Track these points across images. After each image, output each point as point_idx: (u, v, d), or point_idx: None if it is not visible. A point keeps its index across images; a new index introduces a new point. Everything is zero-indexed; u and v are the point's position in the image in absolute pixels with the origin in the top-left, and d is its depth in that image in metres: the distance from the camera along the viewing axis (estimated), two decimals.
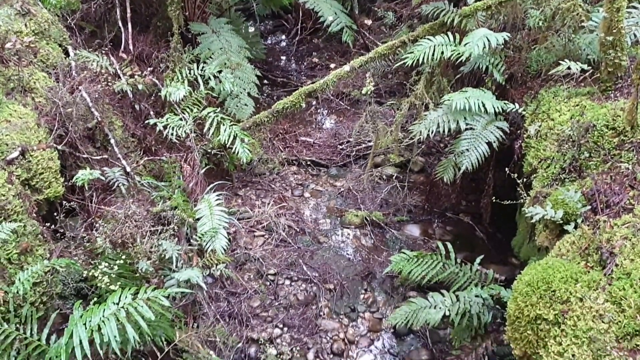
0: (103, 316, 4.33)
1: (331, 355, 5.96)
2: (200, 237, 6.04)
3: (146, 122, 7.28)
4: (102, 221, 5.58)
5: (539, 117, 5.68)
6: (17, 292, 4.36)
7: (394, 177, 8.27)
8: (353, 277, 6.88)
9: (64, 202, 5.51)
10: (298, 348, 5.91)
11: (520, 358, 4.09)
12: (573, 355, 3.49)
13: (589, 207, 4.39)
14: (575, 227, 4.32)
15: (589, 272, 3.91)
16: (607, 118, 4.92)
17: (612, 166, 4.69)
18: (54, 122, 6.01)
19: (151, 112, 7.61)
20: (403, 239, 7.45)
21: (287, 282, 6.77)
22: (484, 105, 6.07)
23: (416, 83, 7.45)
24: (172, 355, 5.36)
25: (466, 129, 6.22)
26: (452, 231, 7.54)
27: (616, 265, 3.79)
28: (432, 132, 6.38)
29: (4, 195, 4.76)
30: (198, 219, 6.22)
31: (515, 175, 4.78)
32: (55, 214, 5.34)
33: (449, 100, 6.24)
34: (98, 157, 6.39)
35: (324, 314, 6.41)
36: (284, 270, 6.88)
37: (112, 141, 6.60)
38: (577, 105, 5.37)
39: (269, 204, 7.77)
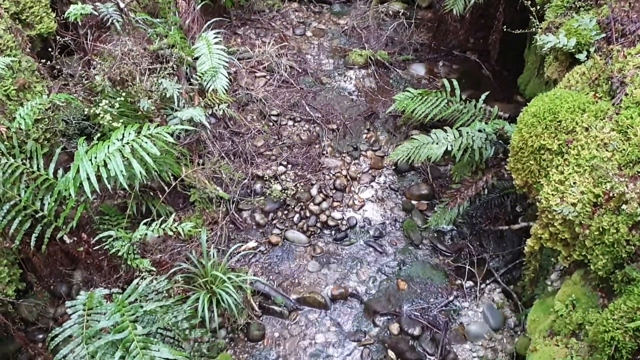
0: (108, 152, 4.36)
1: (334, 191, 6.12)
2: (200, 77, 5.91)
3: None
4: (99, 59, 5.42)
5: None
6: (20, 128, 4.35)
7: (400, 14, 7.89)
8: (356, 117, 6.85)
9: (58, 38, 5.31)
10: (302, 184, 6.05)
11: (520, 188, 4.17)
12: (574, 183, 3.54)
13: (603, 35, 4.20)
14: (587, 57, 4.18)
15: (597, 102, 3.84)
16: None
17: None
18: None
19: None
20: (408, 79, 7.31)
21: (290, 122, 6.75)
22: None
23: None
24: (180, 190, 5.51)
25: None
26: (458, 69, 7.37)
27: (626, 94, 3.71)
28: None
29: None
30: (197, 58, 6.04)
31: (529, 2, 4.53)
32: (50, 50, 5.17)
33: None
34: None
35: (326, 153, 6.48)
36: (286, 111, 6.83)
37: None
38: None
39: (269, 43, 7.51)
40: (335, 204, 6.03)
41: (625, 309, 3.05)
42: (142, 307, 3.81)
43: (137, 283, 4.05)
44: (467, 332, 4.95)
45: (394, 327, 4.98)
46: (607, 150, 3.54)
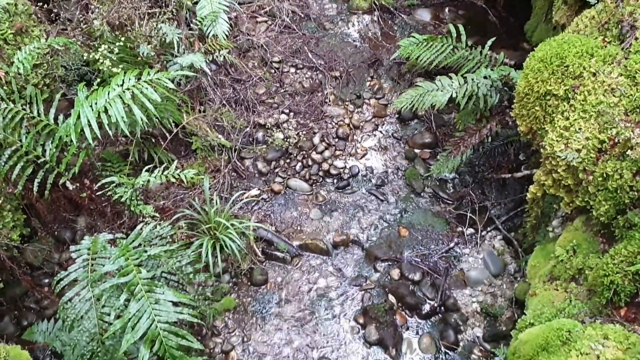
0: (108, 98, 4.32)
1: (336, 139, 6.09)
2: (200, 22, 5.81)
3: None
4: (97, 2, 5.30)
5: None
6: (18, 73, 4.29)
7: None
8: (359, 65, 6.75)
9: None
10: (304, 132, 6.01)
11: (525, 134, 4.14)
12: (579, 129, 3.51)
13: None
14: (597, 1, 4.07)
15: (606, 46, 3.77)
16: None
17: None
18: None
19: None
20: (413, 24, 7.16)
21: (292, 69, 6.66)
22: None
23: None
24: (181, 138, 5.49)
25: None
26: (464, 15, 7.20)
27: (636, 38, 3.63)
28: None
29: None
30: (196, 2, 5.92)
31: None
32: None
33: None
34: None
35: (329, 101, 6.42)
36: (288, 57, 6.72)
37: None
38: None
39: None
40: (337, 152, 6.00)
41: (625, 253, 3.07)
42: (146, 251, 3.85)
43: (141, 228, 4.07)
44: (467, 277, 5.01)
45: (395, 273, 5.04)
46: (614, 95, 3.49)
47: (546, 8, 5.23)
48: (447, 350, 4.66)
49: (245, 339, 4.74)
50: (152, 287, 3.56)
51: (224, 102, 5.99)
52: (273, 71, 6.58)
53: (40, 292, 4.74)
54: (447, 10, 7.31)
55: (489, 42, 5.64)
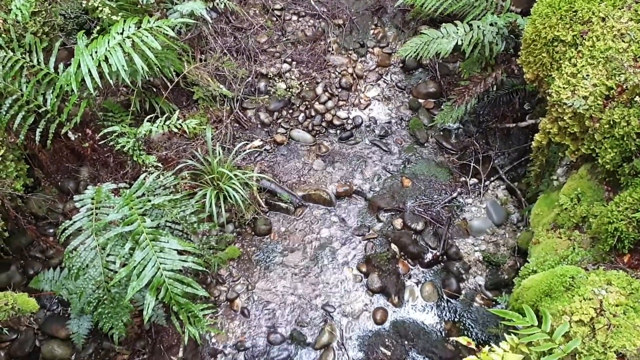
0: (108, 46, 4.25)
1: (339, 89, 6.02)
2: None
3: None
4: None
5: None
6: (17, 20, 4.21)
7: None
8: (363, 12, 6.61)
9: None
10: (307, 82, 5.93)
11: (531, 82, 4.08)
12: (587, 75, 3.44)
13: None
14: None
15: None
16: None
17: None
18: None
19: None
20: None
21: (295, 17, 6.52)
22: None
23: None
24: (183, 87, 5.42)
25: None
26: None
27: None
28: None
29: None
30: None
31: None
32: None
33: None
34: None
35: (332, 50, 6.31)
36: (290, 5, 6.58)
37: None
38: None
39: None
40: (340, 102, 5.94)
41: (630, 200, 3.07)
42: (149, 201, 3.85)
43: (144, 178, 4.07)
44: (469, 227, 5.03)
45: (398, 222, 5.06)
46: (623, 41, 3.41)
47: None
48: (449, 298, 4.72)
49: (250, 287, 4.81)
50: (156, 235, 3.58)
51: (225, 51, 5.90)
52: (275, 19, 6.46)
53: (45, 241, 4.78)
54: None
55: None
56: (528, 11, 4.20)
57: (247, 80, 5.86)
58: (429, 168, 5.45)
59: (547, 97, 3.77)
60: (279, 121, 5.84)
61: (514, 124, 5.28)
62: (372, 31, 6.51)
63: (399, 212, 5.14)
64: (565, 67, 3.61)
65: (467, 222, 5.06)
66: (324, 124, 5.84)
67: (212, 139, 5.06)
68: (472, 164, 5.36)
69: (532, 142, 4.14)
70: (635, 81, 3.17)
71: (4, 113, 4.31)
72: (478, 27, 4.99)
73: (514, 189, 5.12)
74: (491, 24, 4.98)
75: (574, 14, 3.65)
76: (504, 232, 4.98)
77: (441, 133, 5.67)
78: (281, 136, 5.71)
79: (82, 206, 3.84)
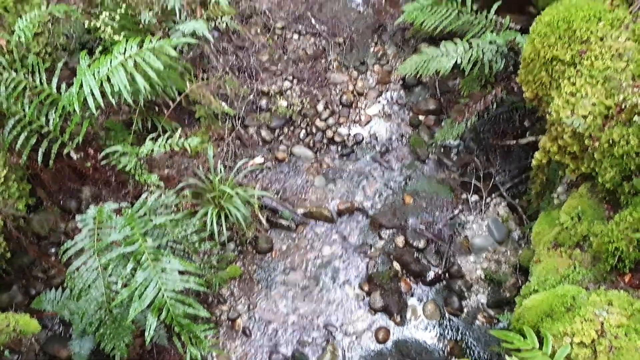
0: (111, 66, 4.29)
1: (340, 106, 6.05)
2: None
3: None
4: None
5: None
6: (20, 41, 4.25)
7: None
8: (363, 30, 6.66)
9: None
10: (308, 99, 5.96)
11: (530, 100, 4.10)
12: (586, 95, 3.47)
13: None
14: None
15: (613, 10, 3.69)
16: None
17: None
18: None
19: None
20: None
21: (296, 36, 6.58)
22: None
23: None
24: (185, 106, 5.46)
25: None
26: None
27: None
28: None
29: None
30: None
31: None
32: None
33: None
34: None
35: (333, 67, 6.35)
36: (291, 23, 6.64)
37: None
38: None
39: None
40: (341, 119, 5.97)
41: (631, 220, 3.07)
42: (151, 220, 3.86)
43: (146, 197, 4.08)
44: (471, 244, 5.03)
45: (399, 240, 5.06)
46: (621, 60, 3.44)
47: None
48: (452, 316, 4.71)
49: (251, 307, 4.80)
50: (158, 256, 3.58)
51: (227, 69, 5.94)
52: (276, 37, 6.51)
53: (47, 261, 4.78)
54: None
55: (495, 6, 5.53)
56: (527, 28, 4.23)
57: (249, 98, 5.90)
58: (430, 185, 5.46)
59: (547, 116, 3.80)
60: (280, 138, 5.87)
61: (515, 141, 5.30)
62: (372, 49, 6.55)
63: (400, 230, 5.14)
64: (564, 86, 3.63)
65: (468, 239, 5.06)
66: (325, 140, 5.86)
67: (213, 157, 5.07)
68: (473, 181, 5.36)
69: (533, 160, 4.16)
70: (633, 100, 3.19)
71: (7, 134, 4.34)
72: (477, 45, 5.03)
73: (515, 206, 5.12)
74: (490, 42, 5.02)
75: (573, 33, 3.68)
76: (506, 249, 4.97)
77: (442, 150, 5.68)
78: (282, 153, 5.73)
79: (84, 226, 3.85)
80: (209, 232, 4.58)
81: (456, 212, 5.24)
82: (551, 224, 3.90)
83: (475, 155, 5.56)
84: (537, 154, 4.07)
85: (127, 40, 4.38)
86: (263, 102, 5.96)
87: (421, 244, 5.01)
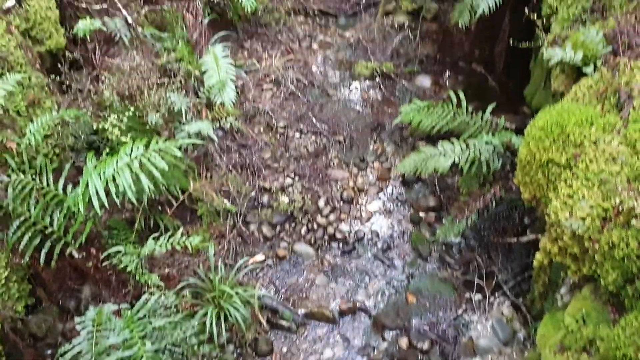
0: (117, 167, 4.38)
1: (341, 203, 6.12)
2: (207, 90, 5.95)
3: None
4: (108, 73, 5.46)
5: None
6: (29, 144, 4.37)
7: (405, 26, 7.91)
8: (362, 129, 6.87)
9: (67, 53, 5.34)
10: (309, 196, 6.04)
11: (528, 201, 4.16)
12: (583, 197, 3.52)
13: (609, 48, 4.20)
14: (594, 70, 4.18)
15: (605, 115, 3.84)
16: None
17: (637, 6, 4.43)
18: None
19: None
20: (413, 90, 7.33)
21: (297, 134, 6.77)
22: None
23: None
24: (187, 204, 5.52)
25: None
26: (464, 81, 7.38)
27: (633, 107, 3.71)
28: None
29: (4, 46, 4.62)
30: (204, 72, 6.08)
31: (535, 15, 4.55)
32: (59, 65, 5.22)
33: None
34: (97, 7, 6.09)
35: (333, 165, 6.49)
36: (293, 123, 6.86)
37: None
38: None
39: (276, 56, 7.56)
40: (342, 216, 6.02)
41: (637, 325, 3.03)
42: (151, 323, 3.81)
43: (146, 299, 4.05)
44: (476, 346, 4.92)
45: (403, 342, 4.95)
46: (615, 164, 3.53)
47: (544, 76, 5.34)
48: None
49: None
50: None
51: (230, 167, 6.07)
52: (278, 136, 6.70)
53: None
54: (446, 76, 7.49)
55: (490, 108, 5.75)
56: (522, 127, 4.36)
57: (251, 195, 5.98)
58: (432, 283, 5.42)
59: (546, 217, 3.84)
60: (281, 235, 5.89)
61: (516, 239, 5.31)
62: (371, 147, 6.73)
63: (404, 331, 5.04)
64: (561, 189, 3.70)
65: (473, 340, 4.95)
66: (326, 237, 5.88)
67: (214, 255, 5.07)
68: (475, 280, 5.32)
69: (534, 261, 4.15)
70: (630, 204, 3.24)
71: (12, 235, 4.37)
72: (474, 145, 5.17)
73: (519, 305, 5.05)
74: (487, 143, 5.16)
75: (567, 137, 3.80)
76: (511, 351, 4.85)
77: (443, 247, 5.69)
78: (283, 250, 5.73)
79: (82, 329, 3.79)
80: (208, 333, 4.50)
81: (460, 311, 5.16)
82: (556, 326, 3.83)
83: (477, 253, 5.56)
84: (538, 255, 4.08)
85: (133, 141, 4.50)
86: (265, 198, 6.04)
87: (425, 345, 4.89)
